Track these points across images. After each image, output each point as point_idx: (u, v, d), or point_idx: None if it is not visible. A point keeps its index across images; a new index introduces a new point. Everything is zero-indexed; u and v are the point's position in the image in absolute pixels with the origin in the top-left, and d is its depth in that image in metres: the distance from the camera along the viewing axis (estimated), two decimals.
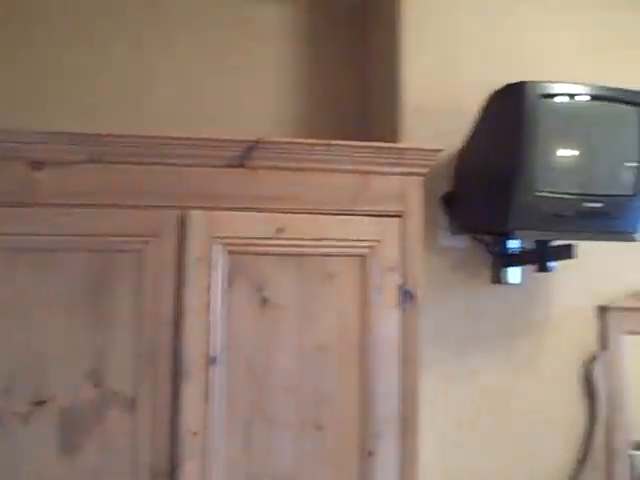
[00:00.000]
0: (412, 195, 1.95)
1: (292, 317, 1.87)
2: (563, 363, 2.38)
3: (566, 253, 2.13)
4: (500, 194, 2.05)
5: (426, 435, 1.98)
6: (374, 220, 1.93)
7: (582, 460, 2.36)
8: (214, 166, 1.85)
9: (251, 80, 2.50)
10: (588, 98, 2.05)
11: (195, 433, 1.79)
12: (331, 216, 1.91)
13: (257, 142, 1.85)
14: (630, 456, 2.38)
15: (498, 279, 2.30)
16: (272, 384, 1.85)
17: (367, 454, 1.88)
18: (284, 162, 1.87)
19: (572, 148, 2.07)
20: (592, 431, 2.37)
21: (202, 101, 2.44)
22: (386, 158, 1.92)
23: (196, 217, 1.83)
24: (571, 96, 2.04)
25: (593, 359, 2.39)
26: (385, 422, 1.89)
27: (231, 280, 1.85)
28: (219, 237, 1.84)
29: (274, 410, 1.85)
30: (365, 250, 1.92)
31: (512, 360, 2.34)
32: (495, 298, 2.33)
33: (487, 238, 2.29)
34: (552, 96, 2.02)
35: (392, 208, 1.94)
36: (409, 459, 1.90)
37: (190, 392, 1.80)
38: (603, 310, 2.41)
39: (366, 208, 1.92)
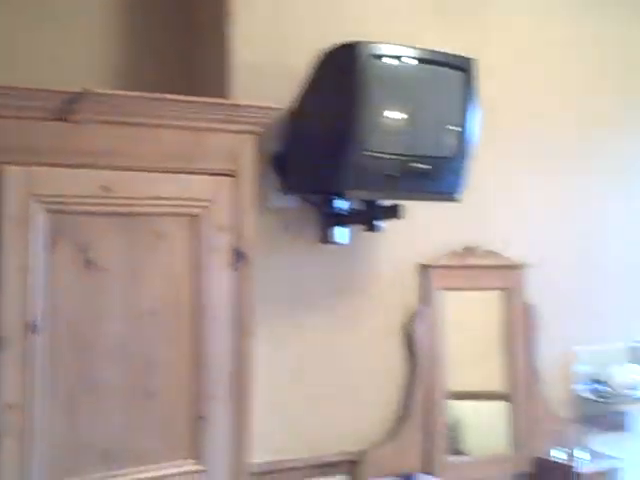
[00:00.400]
0: (245, 154, 1.91)
1: (119, 280, 1.79)
2: (387, 319, 2.47)
3: (393, 213, 2.19)
4: (330, 154, 2.06)
5: (256, 394, 1.97)
6: (206, 179, 1.88)
7: (403, 412, 2.47)
8: (33, 118, 1.69)
9: (74, 29, 2.30)
10: (417, 61, 2.10)
11: (12, 406, 1.66)
12: (161, 174, 1.83)
13: (81, 93, 1.72)
14: (447, 405, 2.52)
15: (327, 239, 2.32)
16: (99, 351, 1.77)
17: (198, 419, 1.85)
18: (110, 116, 1.76)
19: (400, 110, 2.12)
20: (413, 384, 2.48)
21: (21, 51, 2.22)
22: (219, 115, 1.86)
23: (12, 173, 1.68)
24: (400, 58, 2.08)
25: (414, 315, 2.49)
26: (217, 385, 1.88)
27: (52, 241, 1.72)
28: (38, 195, 1.70)
29: (101, 378, 1.77)
30: (196, 210, 1.86)
31: (338, 317, 2.39)
32: (323, 257, 2.35)
33: (317, 198, 2.29)
34: (382, 57, 2.04)
35: (225, 167, 1.89)
36: (241, 421, 1.91)
37: (7, 362, 1.67)
38: (424, 268, 2.52)
39: (198, 166, 1.86)
